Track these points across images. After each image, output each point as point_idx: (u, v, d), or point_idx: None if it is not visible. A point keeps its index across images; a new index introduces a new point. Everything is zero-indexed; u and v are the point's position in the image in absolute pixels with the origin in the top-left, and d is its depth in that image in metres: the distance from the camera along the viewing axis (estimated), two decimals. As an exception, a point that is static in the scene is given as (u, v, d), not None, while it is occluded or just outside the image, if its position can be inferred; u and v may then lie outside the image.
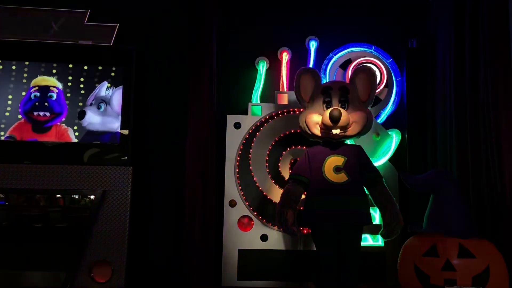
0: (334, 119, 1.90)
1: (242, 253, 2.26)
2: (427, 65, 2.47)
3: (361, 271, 2.02)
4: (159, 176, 2.25)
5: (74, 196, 1.92)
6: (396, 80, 2.51)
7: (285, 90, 2.49)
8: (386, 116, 2.50)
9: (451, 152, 2.17)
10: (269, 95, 2.49)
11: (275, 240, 2.29)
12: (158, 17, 2.36)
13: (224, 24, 2.46)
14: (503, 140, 1.80)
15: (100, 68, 2.11)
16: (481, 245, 1.74)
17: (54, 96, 2.07)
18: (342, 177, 1.95)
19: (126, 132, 2.05)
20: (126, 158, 2.01)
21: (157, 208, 2.22)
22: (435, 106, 2.37)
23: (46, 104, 2.06)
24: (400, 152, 2.41)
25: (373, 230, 2.17)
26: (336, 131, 1.95)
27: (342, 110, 1.94)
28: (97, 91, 2.09)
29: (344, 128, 1.95)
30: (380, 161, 2.36)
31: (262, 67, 2.54)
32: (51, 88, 2.07)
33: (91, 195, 1.92)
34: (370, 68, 2.12)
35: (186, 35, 2.23)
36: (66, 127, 2.08)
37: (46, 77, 2.08)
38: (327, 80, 2.44)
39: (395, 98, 2.50)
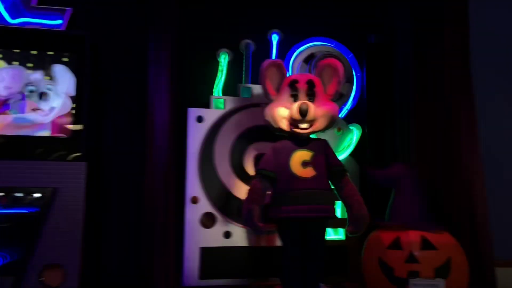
0: (303, 113, 1.88)
1: (205, 251, 2.20)
2: (386, 59, 2.53)
3: (327, 264, 2.05)
4: (116, 172, 2.13)
5: (19, 194, 1.77)
6: (356, 75, 2.55)
7: (249, 83, 2.45)
8: (347, 111, 2.54)
9: (409, 146, 2.24)
10: (232, 88, 2.43)
11: (239, 236, 2.25)
12: (115, 5, 2.23)
13: (184, 15, 2.37)
14: (462, 136, 1.87)
15: (50, 54, 1.93)
16: (442, 237, 1.82)
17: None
18: (309, 172, 1.93)
19: (79, 125, 1.91)
20: (79, 153, 1.87)
21: (113, 206, 2.11)
22: (394, 101, 2.44)
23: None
24: (361, 146, 2.44)
25: (335, 223, 2.19)
26: (303, 125, 1.93)
27: (310, 104, 1.92)
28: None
29: (311, 122, 1.94)
30: (341, 155, 2.39)
31: (224, 60, 2.48)
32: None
33: (39, 193, 1.78)
34: (336, 62, 2.09)
35: (144, 25, 2.12)
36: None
37: None
38: (291, 74, 2.43)
39: (355, 93, 2.54)
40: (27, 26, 1.91)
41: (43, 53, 1.90)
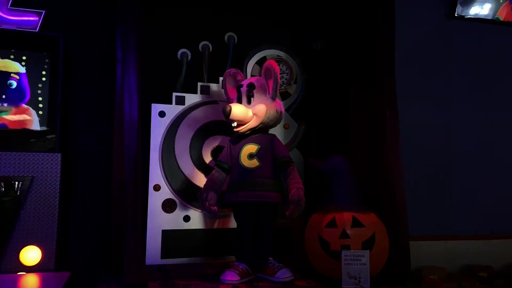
0: (225, 114, 2.14)
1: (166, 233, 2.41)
2: (329, 63, 2.81)
3: (275, 244, 2.31)
4: (87, 162, 2.28)
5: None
6: (302, 77, 2.81)
7: (206, 81, 2.64)
8: (293, 109, 2.79)
9: (344, 140, 2.56)
10: (191, 86, 2.61)
11: (197, 220, 2.47)
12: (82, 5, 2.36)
13: (148, 16, 2.49)
14: (387, 132, 2.23)
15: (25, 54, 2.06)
16: (369, 217, 2.12)
17: (14, 84, 2.01)
18: (254, 163, 2.19)
19: (53, 116, 2.06)
20: (53, 145, 2.02)
21: (86, 193, 2.26)
22: (334, 100, 2.75)
23: (4, 96, 2.00)
24: (305, 140, 2.73)
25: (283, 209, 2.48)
26: (233, 125, 2.19)
27: (237, 105, 2.16)
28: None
29: (240, 122, 2.18)
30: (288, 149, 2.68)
31: (185, 59, 2.68)
32: (12, 75, 2.01)
33: (19, 181, 1.91)
34: (271, 64, 2.26)
35: (111, 26, 2.25)
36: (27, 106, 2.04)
37: (7, 61, 2.01)
38: (246, 75, 2.68)
39: (301, 93, 2.79)
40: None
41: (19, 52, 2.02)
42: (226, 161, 2.25)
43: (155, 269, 2.30)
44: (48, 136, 2.03)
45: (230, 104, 2.16)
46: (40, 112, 2.09)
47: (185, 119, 2.54)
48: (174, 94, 2.55)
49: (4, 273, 1.86)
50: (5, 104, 2.03)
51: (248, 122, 2.20)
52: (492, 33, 2.79)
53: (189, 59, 2.68)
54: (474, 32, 2.78)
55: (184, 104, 2.55)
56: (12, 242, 1.90)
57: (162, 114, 2.50)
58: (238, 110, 2.15)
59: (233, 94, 2.34)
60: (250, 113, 2.19)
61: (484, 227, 2.59)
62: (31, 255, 1.90)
